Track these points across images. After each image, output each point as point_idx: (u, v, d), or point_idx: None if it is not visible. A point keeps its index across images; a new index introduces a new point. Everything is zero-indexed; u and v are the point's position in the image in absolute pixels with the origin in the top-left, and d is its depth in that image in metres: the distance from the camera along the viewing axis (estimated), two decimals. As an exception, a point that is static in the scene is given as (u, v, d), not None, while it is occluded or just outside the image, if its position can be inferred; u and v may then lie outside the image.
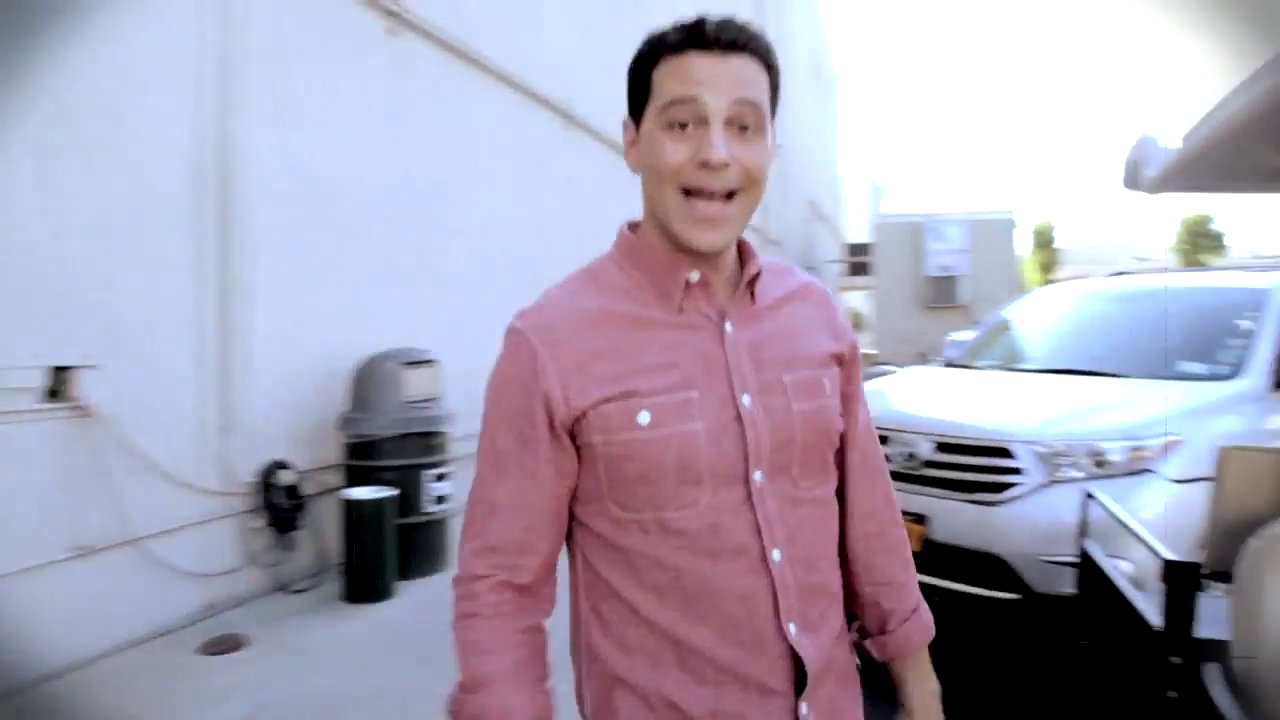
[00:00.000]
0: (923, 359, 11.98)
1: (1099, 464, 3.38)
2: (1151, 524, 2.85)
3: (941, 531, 3.55)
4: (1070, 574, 3.07)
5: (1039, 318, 5.33)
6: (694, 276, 1.07)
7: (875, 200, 39.38)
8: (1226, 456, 2.36)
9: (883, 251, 16.36)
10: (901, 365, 9.01)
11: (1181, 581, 1.96)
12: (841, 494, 1.20)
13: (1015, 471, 3.45)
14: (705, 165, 0.99)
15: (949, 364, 5.37)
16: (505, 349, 1.07)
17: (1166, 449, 3.37)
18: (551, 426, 1.04)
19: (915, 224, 16.08)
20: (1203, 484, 2.70)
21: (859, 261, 23.40)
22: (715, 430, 1.03)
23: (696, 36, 1.00)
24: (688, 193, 1.01)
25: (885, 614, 1.23)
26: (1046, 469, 3.41)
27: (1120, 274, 5.68)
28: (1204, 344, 4.23)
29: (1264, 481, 2.30)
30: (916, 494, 3.66)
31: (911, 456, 3.72)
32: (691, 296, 1.08)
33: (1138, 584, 2.46)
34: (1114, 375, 4.17)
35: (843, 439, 1.19)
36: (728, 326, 1.08)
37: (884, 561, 1.24)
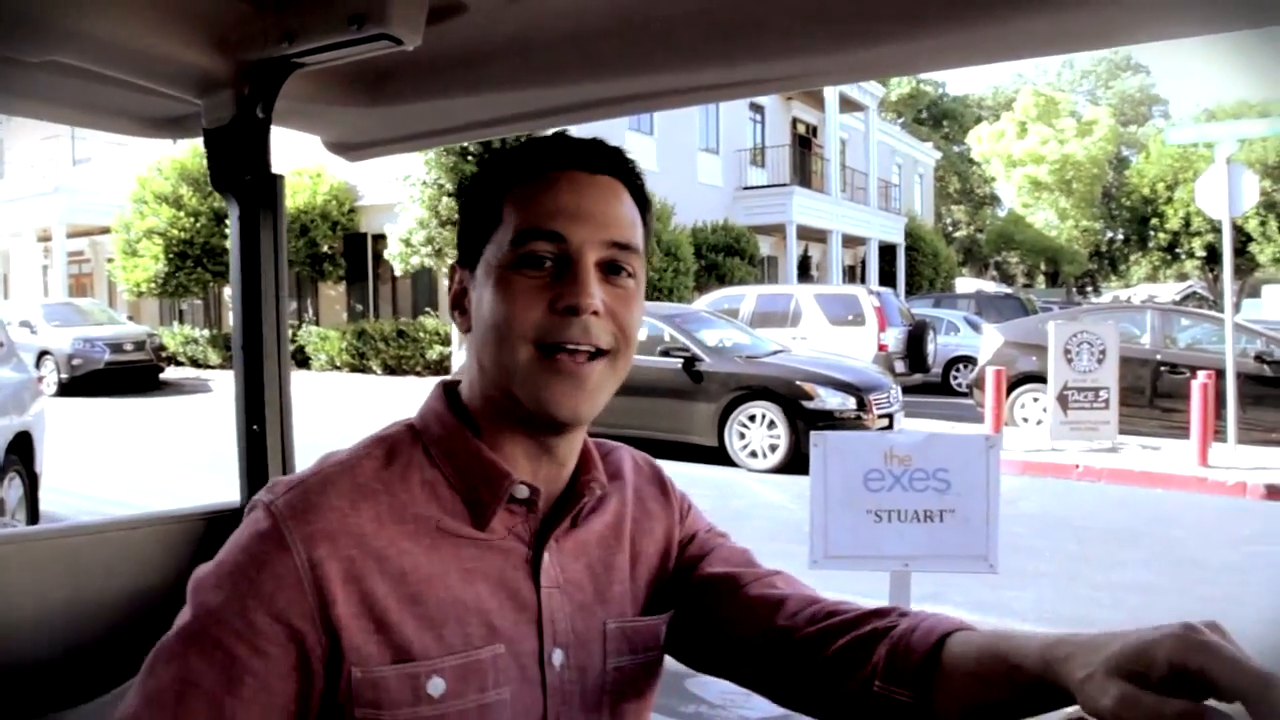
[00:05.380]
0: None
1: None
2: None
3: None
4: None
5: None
6: (521, 492, 0.80)
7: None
8: None
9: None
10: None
11: None
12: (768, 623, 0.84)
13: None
14: (572, 310, 0.75)
15: None
16: (246, 538, 0.73)
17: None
18: (300, 670, 0.70)
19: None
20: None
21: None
22: (521, 699, 0.77)
23: (562, 151, 0.80)
24: (542, 351, 0.76)
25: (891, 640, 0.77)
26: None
27: None
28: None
29: None
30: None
31: None
32: (507, 509, 0.80)
33: None
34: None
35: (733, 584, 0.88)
36: (545, 557, 0.81)
37: (848, 611, 0.82)
